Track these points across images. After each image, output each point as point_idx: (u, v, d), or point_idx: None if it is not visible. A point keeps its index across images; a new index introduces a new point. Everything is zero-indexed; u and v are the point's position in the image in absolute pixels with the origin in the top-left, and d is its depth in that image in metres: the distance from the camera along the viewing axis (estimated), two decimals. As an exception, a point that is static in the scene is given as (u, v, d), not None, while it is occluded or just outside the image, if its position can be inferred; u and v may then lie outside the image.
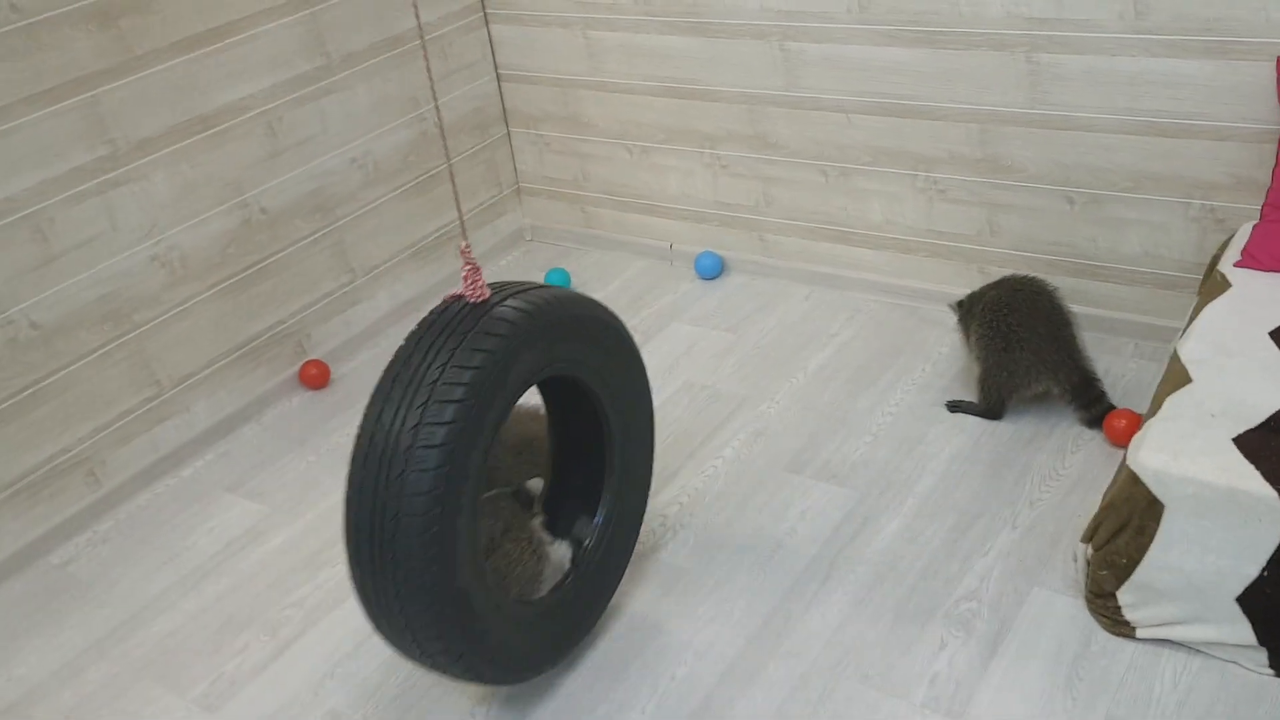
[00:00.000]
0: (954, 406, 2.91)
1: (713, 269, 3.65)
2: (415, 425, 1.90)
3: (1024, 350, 2.74)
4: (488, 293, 2.02)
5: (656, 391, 3.17)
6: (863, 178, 3.29)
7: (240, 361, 3.32)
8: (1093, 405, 2.75)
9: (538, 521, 2.34)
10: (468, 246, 2.00)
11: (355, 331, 3.59)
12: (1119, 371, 2.96)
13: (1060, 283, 3.06)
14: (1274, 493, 1.98)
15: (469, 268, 1.99)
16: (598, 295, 3.69)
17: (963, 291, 3.26)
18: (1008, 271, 3.17)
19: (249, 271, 3.27)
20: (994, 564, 2.45)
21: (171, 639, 2.61)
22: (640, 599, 2.50)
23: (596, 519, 2.36)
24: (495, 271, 3.95)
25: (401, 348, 2.00)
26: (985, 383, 2.82)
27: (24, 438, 2.86)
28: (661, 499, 2.78)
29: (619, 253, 3.92)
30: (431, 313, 2.03)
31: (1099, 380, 2.76)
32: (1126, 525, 2.17)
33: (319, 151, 3.37)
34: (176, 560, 2.85)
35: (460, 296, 2.03)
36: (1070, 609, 2.31)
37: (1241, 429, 2.12)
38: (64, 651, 2.61)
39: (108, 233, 2.92)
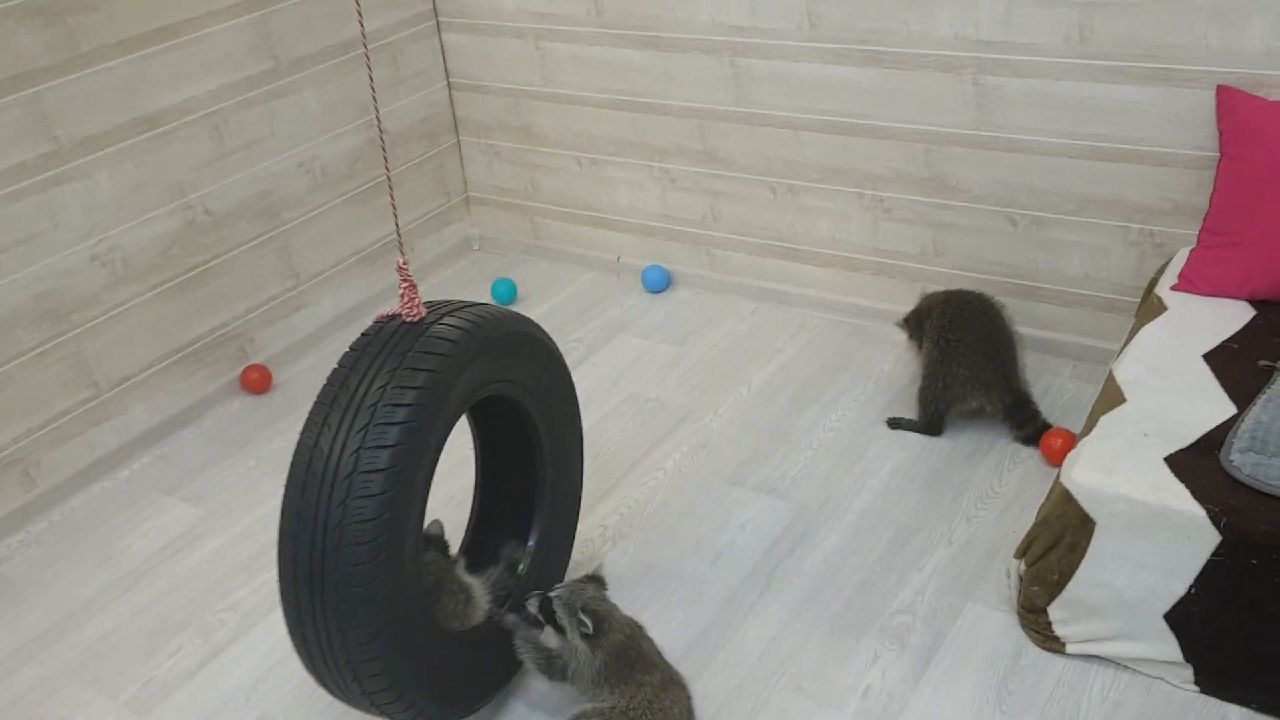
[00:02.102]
0: (894, 423, 2.94)
1: (660, 283, 3.67)
2: (357, 450, 1.84)
3: (960, 365, 2.78)
4: (424, 311, 1.98)
5: (601, 403, 3.18)
6: (810, 195, 3.32)
7: (181, 364, 3.28)
8: (1025, 425, 2.79)
9: (460, 567, 2.25)
10: (405, 263, 1.96)
11: (299, 337, 3.56)
12: (1057, 391, 3.00)
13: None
14: (1203, 512, 2.02)
15: (406, 285, 1.95)
16: (545, 306, 3.69)
17: (906, 309, 3.30)
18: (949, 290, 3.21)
19: (192, 273, 3.24)
20: (929, 579, 2.47)
21: (104, 642, 2.57)
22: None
23: (530, 542, 2.33)
24: (442, 280, 3.93)
25: (337, 370, 1.94)
26: (923, 396, 2.86)
27: (-46, 436, 2.81)
28: (602, 509, 2.78)
29: (567, 264, 3.92)
30: (366, 333, 1.98)
31: (1033, 401, 2.80)
32: (1059, 542, 2.20)
33: (266, 155, 3.35)
34: (111, 563, 2.81)
35: (395, 315, 1.98)
36: (1002, 624, 2.34)
37: (1173, 449, 2.16)
38: (-11, 655, 2.57)
39: (48, 231, 2.88)
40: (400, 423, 1.85)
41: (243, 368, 3.42)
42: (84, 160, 2.92)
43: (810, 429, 2.98)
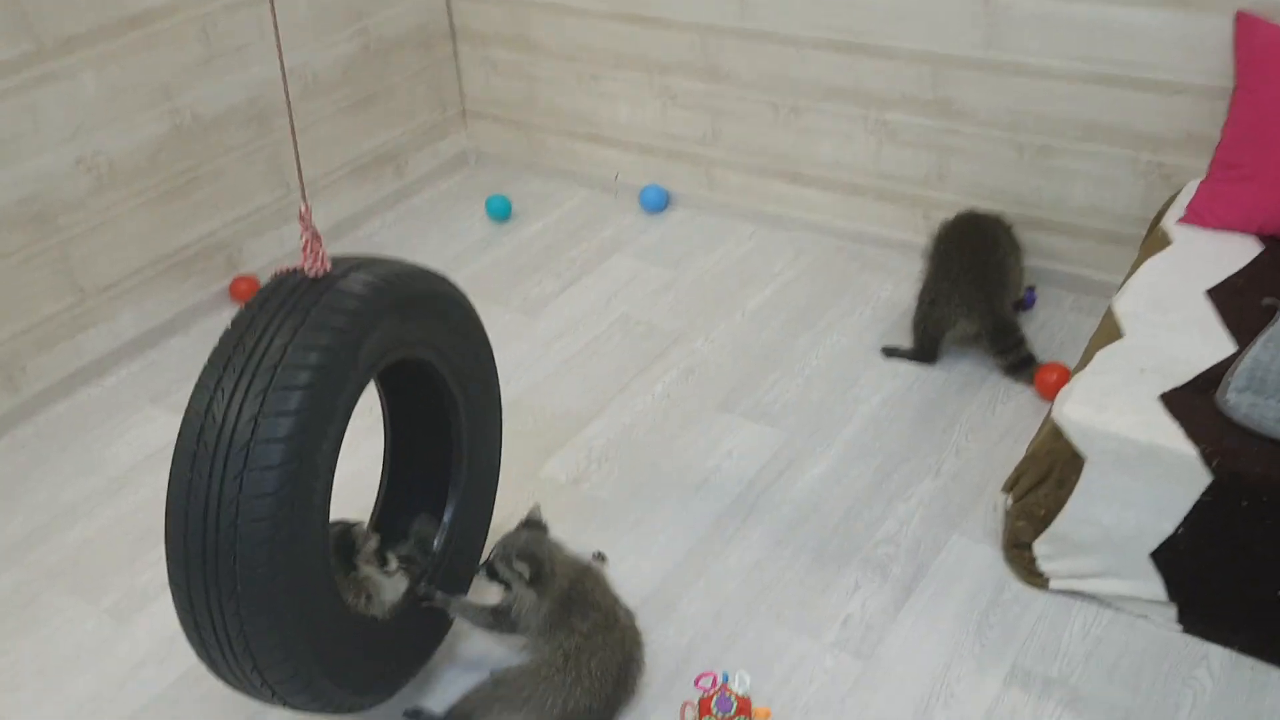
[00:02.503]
0: (889, 352, 2.89)
1: (657, 203, 3.60)
2: (254, 416, 1.65)
3: (945, 281, 2.74)
4: (329, 265, 1.81)
5: (593, 324, 3.13)
6: (814, 116, 3.24)
7: (169, 272, 3.23)
8: (1008, 353, 2.74)
9: (368, 554, 2.08)
10: (308, 210, 1.81)
11: (290, 248, 3.51)
12: (1056, 324, 2.95)
13: (1003, 232, 3.04)
14: (1195, 451, 1.98)
15: (309, 235, 1.79)
16: (539, 224, 3.63)
17: (907, 236, 3.24)
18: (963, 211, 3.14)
19: (180, 180, 3.17)
20: (915, 510, 2.45)
21: (86, 548, 2.56)
22: (560, 530, 2.46)
23: (445, 516, 2.17)
24: (436, 195, 3.86)
25: (230, 329, 1.76)
26: (915, 321, 2.82)
27: (-63, 339, 2.78)
28: (589, 432, 2.75)
29: (563, 181, 3.84)
30: (264, 289, 1.80)
31: (1018, 330, 2.75)
32: (1047, 477, 2.16)
33: (255, 60, 3.26)
34: (95, 470, 2.79)
35: (296, 270, 1.81)
36: (987, 558, 2.32)
37: (1169, 386, 2.11)
38: (-30, 559, 2.56)
39: (30, 133, 2.81)
40: (303, 387, 1.67)
41: (232, 278, 3.37)
42: (67, 61, 2.84)
43: (803, 355, 2.94)
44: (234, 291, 3.35)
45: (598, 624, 2.01)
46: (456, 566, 2.20)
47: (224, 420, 1.67)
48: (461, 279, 3.36)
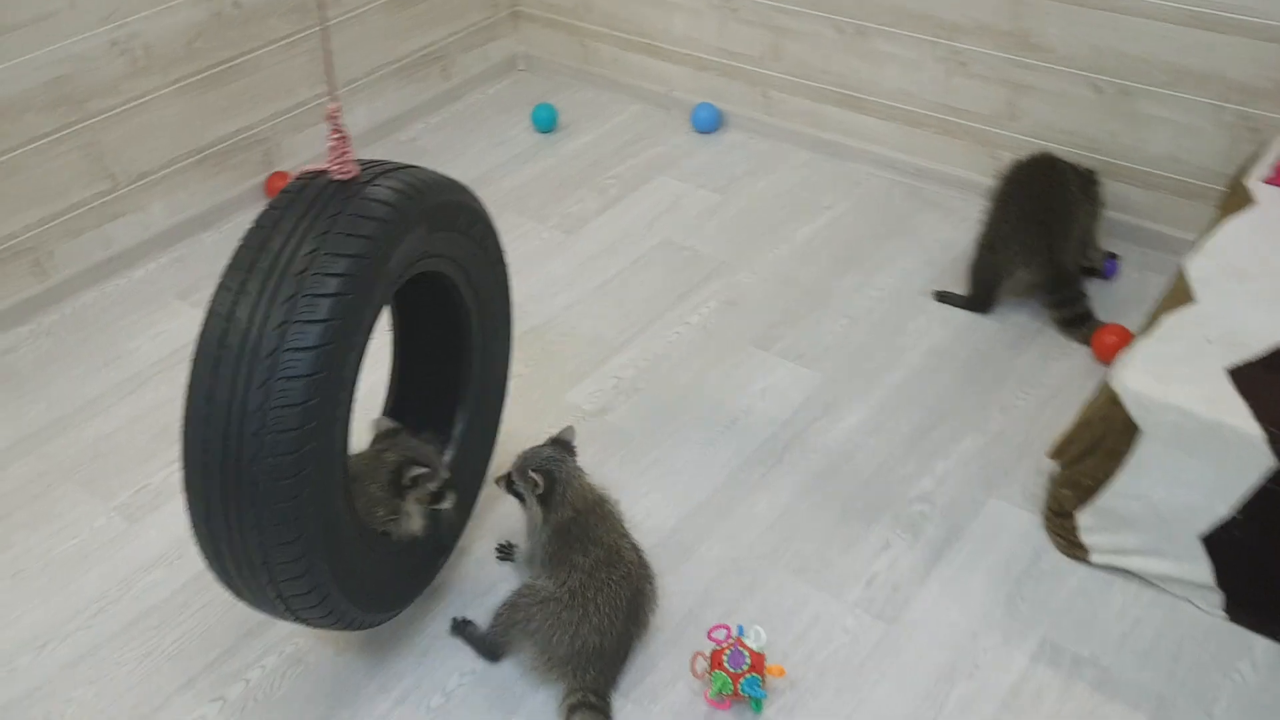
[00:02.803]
0: (942, 297, 2.76)
1: (710, 122, 3.44)
2: (282, 323, 1.59)
3: (1006, 224, 2.59)
4: (356, 169, 1.73)
5: (632, 247, 3.01)
6: (881, 39, 3.06)
7: (203, 164, 3.14)
8: (1065, 306, 2.60)
9: (422, 494, 1.97)
10: (337, 108, 1.71)
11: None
12: (1120, 280, 2.79)
13: (1073, 178, 2.86)
14: (1261, 432, 1.85)
15: (337, 136, 1.70)
16: (586, 138, 3.49)
17: (970, 175, 3.07)
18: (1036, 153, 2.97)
19: (218, 69, 3.06)
20: (954, 468, 2.34)
21: (103, 443, 2.52)
22: (580, 461, 2.38)
23: (455, 430, 2.12)
24: (483, 100, 3.72)
25: (253, 231, 1.68)
26: (971, 266, 2.68)
27: (-38, 220, 2.72)
28: (619, 360, 2.65)
29: (614, 94, 3.69)
30: (287, 190, 1.72)
31: (1079, 284, 2.60)
32: (1098, 446, 2.04)
33: (302, -54, 3.13)
34: (118, 363, 2.74)
35: (321, 172, 1.73)
36: (1025, 524, 2.21)
37: (1238, 360, 1.97)
38: (-14, 447, 2.53)
39: (64, 10, 2.71)
40: (332, 294, 1.61)
41: (268, 174, 3.28)
42: (103, -64, 2.73)
43: (849, 295, 2.81)
44: (269, 188, 3.26)
45: (600, 560, 1.94)
46: (463, 480, 2.14)
47: (249, 325, 1.61)
48: (502, 190, 3.25)
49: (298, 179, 1.75)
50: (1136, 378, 1.96)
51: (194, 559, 2.23)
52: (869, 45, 3.08)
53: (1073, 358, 2.58)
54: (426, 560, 2.09)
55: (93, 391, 2.66)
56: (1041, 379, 2.53)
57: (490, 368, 2.17)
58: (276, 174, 3.26)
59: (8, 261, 2.82)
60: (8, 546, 2.28)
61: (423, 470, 1.92)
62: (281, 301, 1.60)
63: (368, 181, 1.73)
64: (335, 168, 1.72)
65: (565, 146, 3.44)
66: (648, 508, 2.28)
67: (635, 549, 2.00)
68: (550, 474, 1.97)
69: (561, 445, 2.05)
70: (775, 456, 2.39)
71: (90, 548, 2.28)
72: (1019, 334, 2.65)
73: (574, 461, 2.04)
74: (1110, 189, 2.85)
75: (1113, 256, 2.77)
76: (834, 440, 2.41)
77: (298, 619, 1.79)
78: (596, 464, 2.37)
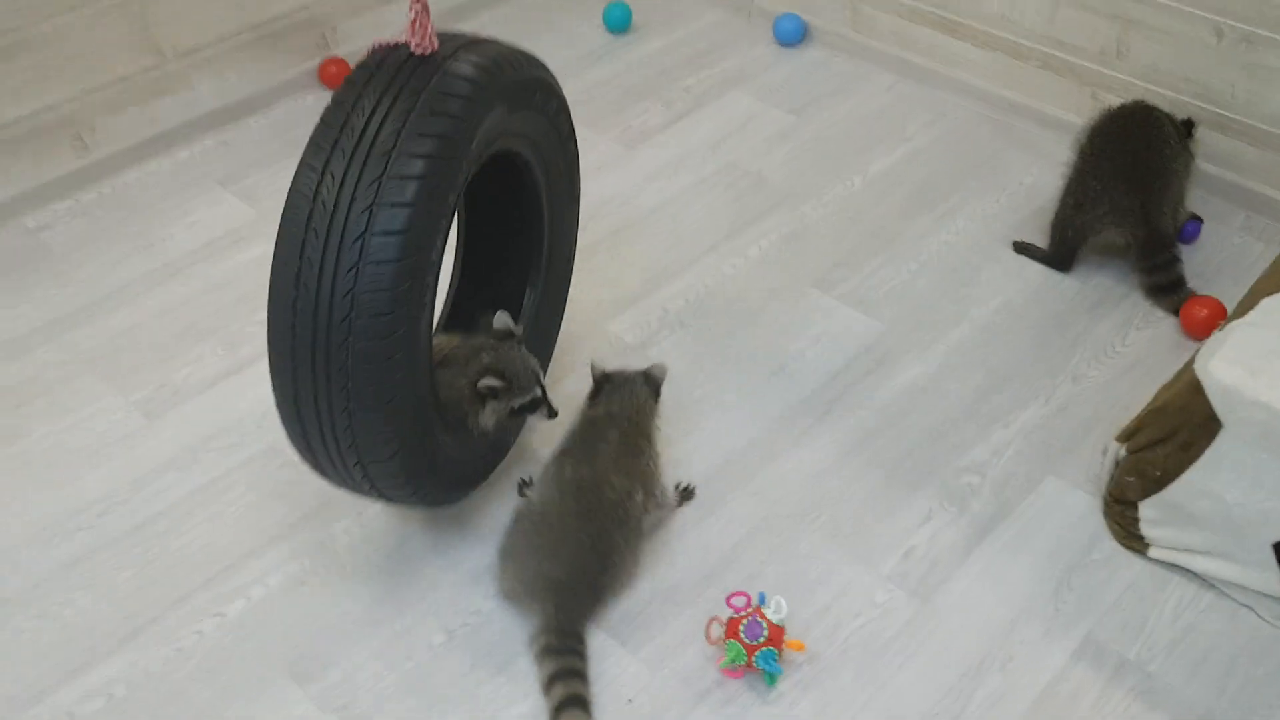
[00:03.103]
0: (1021, 248, 2.55)
1: (793, 34, 3.21)
2: (369, 207, 1.56)
3: (1095, 181, 2.38)
4: (437, 43, 1.65)
5: (695, 168, 2.83)
6: (985, -41, 2.80)
7: (256, 44, 3.01)
8: (1157, 272, 2.39)
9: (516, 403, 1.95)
10: None
11: (389, 31, 3.23)
12: (1217, 244, 2.56)
13: (1181, 129, 2.61)
14: (1355, 442, 1.66)
15: (419, 7, 1.60)
16: (659, 43, 3.28)
17: (1068, 116, 2.83)
18: (1128, 100, 2.72)
19: (274, -57, 2.91)
20: (1013, 439, 2.17)
21: (127, 336, 2.45)
22: (617, 396, 2.27)
23: (526, 303, 2.11)
24: (557, -7, 3.52)
25: (333, 109, 1.63)
26: (1054, 222, 2.48)
27: (5, 87, 2.62)
28: (668, 290, 2.50)
29: (695, -4, 3.47)
30: (365, 64, 1.65)
31: (1174, 245, 2.39)
32: (1172, 436, 1.86)
33: None
34: (151, 250, 2.66)
35: (400, 45, 1.65)
36: (1083, 508, 2.05)
37: (1341, 356, 1.77)
38: (16, 325, 2.46)
39: None
40: (419, 176, 1.57)
41: (322, 59, 3.13)
42: None
43: (921, 238, 2.61)
44: (323, 74, 3.12)
45: (581, 484, 1.85)
46: (533, 348, 2.11)
47: (335, 208, 1.58)
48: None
49: (375, 52, 1.67)
50: (1225, 368, 1.77)
51: (207, 465, 2.16)
52: (971, -36, 2.83)
53: (1158, 328, 2.37)
54: (496, 449, 2.07)
55: (122, 279, 2.59)
56: (1120, 349, 2.33)
57: (558, 246, 2.14)
58: (331, 59, 3.11)
59: (48, 133, 2.74)
60: (23, 434, 2.23)
61: (497, 385, 1.86)
62: (368, 184, 1.56)
63: (449, 56, 1.65)
64: (415, 41, 1.64)
65: (636, 51, 3.25)
66: (679, 455, 2.15)
67: (626, 490, 1.88)
68: (608, 375, 1.99)
69: (650, 380, 2.01)
70: (823, 409, 2.24)
71: (105, 443, 2.21)
72: (1101, 297, 2.45)
73: (645, 390, 1.99)
74: (1219, 144, 2.61)
75: (1196, 219, 2.53)
76: (887, 397, 2.26)
77: (382, 498, 1.83)
78: (631, 400, 2.24)
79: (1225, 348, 1.81)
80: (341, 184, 1.58)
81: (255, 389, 2.31)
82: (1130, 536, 1.97)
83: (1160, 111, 2.43)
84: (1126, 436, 1.96)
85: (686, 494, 2.06)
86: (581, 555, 1.83)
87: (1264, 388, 1.73)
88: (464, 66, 1.64)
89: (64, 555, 2.02)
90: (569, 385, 2.26)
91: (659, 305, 2.46)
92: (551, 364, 2.28)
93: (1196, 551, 1.90)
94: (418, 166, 1.57)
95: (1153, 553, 1.95)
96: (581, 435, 1.96)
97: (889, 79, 3.11)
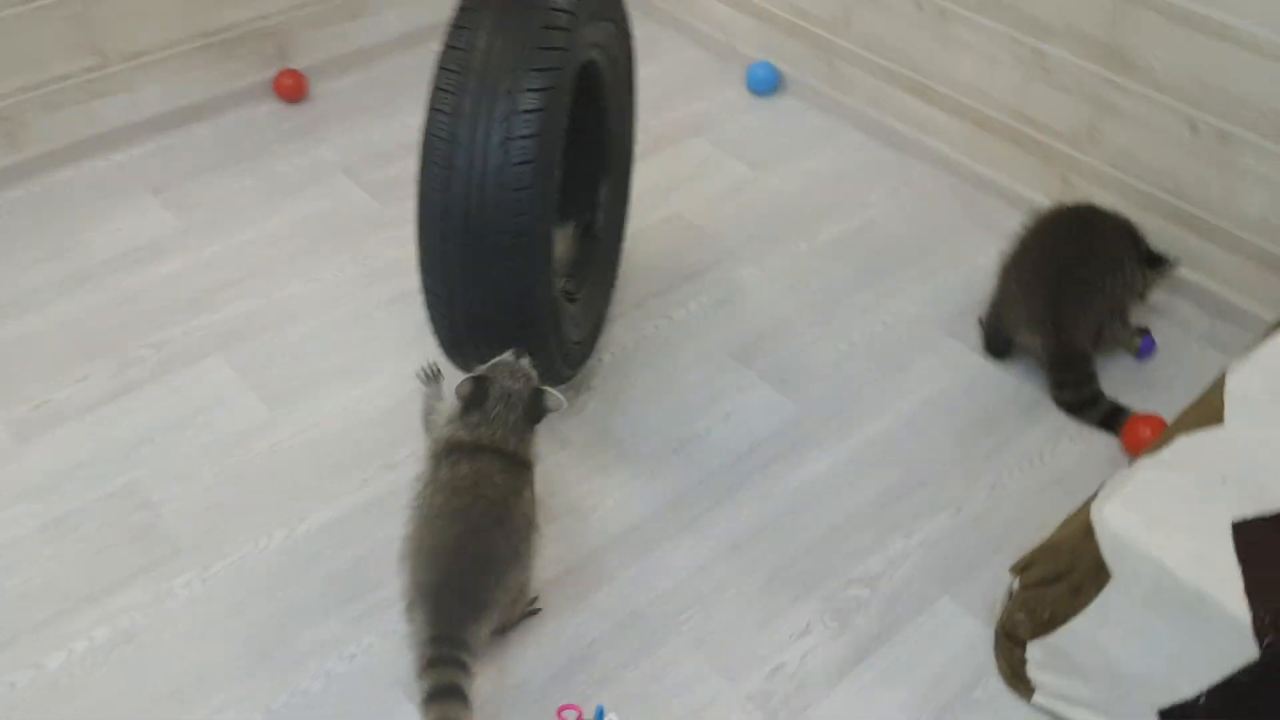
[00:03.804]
0: (981, 321, 2.40)
1: (766, 84, 3.07)
2: (503, 140, 1.76)
3: (1013, 281, 2.26)
4: None
5: (639, 216, 2.70)
6: (961, 25, 2.65)
7: (207, 51, 2.92)
8: (1065, 389, 2.24)
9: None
10: None
11: (350, 49, 3.14)
12: (1174, 352, 2.39)
13: (1148, 224, 2.43)
14: (1248, 615, 1.49)
15: None
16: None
17: (1035, 195, 2.68)
18: (1095, 190, 2.56)
19: (230, -51, 2.82)
20: (913, 550, 2.02)
21: (18, 345, 2.36)
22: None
23: (600, 196, 2.32)
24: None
25: (451, 50, 1.80)
26: (985, 312, 2.34)
27: (-72, 78, 2.55)
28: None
29: (673, 33, 3.34)
30: (469, 7, 1.82)
31: (1088, 364, 2.23)
32: (1064, 577, 1.71)
33: None
34: (64, 256, 2.58)
35: None
36: (974, 637, 1.89)
37: (1251, 512, 1.60)
38: (-95, 326, 2.39)
39: None
40: (538, 110, 1.77)
41: (278, 70, 3.04)
42: None
43: (859, 314, 2.47)
44: (278, 86, 3.03)
45: (455, 486, 1.71)
46: (607, 243, 2.38)
47: (472, 144, 1.76)
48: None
49: None
50: (1120, 514, 1.62)
51: (64, 498, 2.06)
52: (948, 29, 2.68)
53: (1092, 442, 2.21)
54: (594, 329, 2.29)
55: (29, 284, 2.50)
56: (1047, 460, 2.18)
57: (621, 142, 2.33)
58: (286, 71, 3.02)
59: (-23, 127, 2.67)
60: (-117, 445, 2.15)
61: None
62: (499, 120, 1.75)
63: None
64: None
65: None
66: (555, 532, 2.02)
67: (514, 493, 1.74)
68: (480, 380, 1.79)
69: (534, 401, 1.82)
70: (719, 496, 2.10)
71: (-32, 462, 2.13)
72: (1038, 399, 2.28)
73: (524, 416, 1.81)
74: (1187, 240, 2.44)
75: (1147, 333, 2.35)
76: (789, 489, 2.11)
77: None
78: (518, 468, 2.12)
79: (1126, 490, 1.65)
80: (475, 123, 1.76)
81: (135, 417, 2.21)
82: (1016, 677, 1.82)
83: (1110, 219, 2.27)
84: (1020, 569, 1.80)
85: (530, 609, 1.89)
86: (446, 560, 1.68)
87: (1158, 541, 1.58)
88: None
89: (-104, 582, 1.93)
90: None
91: (568, 365, 2.34)
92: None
93: (1081, 704, 1.75)
94: (536, 100, 1.77)
95: (1037, 699, 1.80)
96: (449, 458, 1.77)
97: (859, 139, 2.96)
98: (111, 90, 2.81)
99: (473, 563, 1.68)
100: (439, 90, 1.79)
